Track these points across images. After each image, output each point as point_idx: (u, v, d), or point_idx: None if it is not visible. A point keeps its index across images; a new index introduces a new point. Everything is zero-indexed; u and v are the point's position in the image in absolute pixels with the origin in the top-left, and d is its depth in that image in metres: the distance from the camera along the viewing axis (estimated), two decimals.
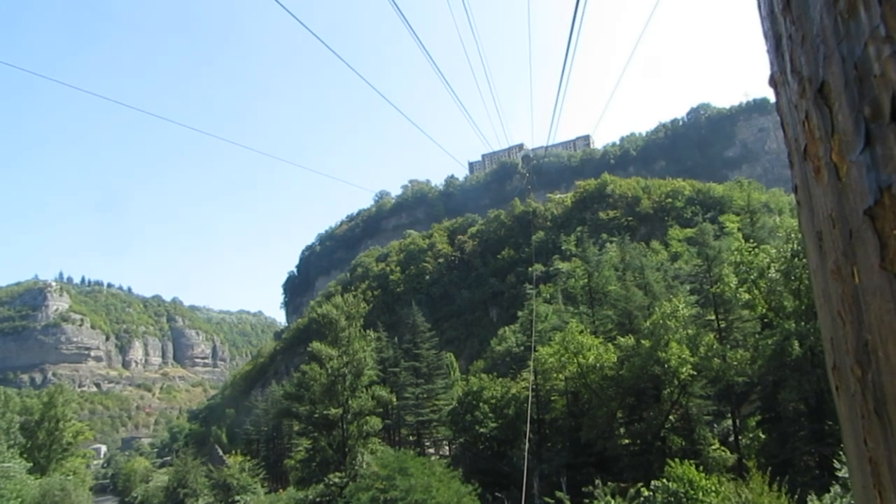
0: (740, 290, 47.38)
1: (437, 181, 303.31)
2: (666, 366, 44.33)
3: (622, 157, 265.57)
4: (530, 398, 46.85)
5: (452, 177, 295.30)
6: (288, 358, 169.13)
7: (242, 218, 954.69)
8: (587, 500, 31.41)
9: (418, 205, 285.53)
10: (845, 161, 1.10)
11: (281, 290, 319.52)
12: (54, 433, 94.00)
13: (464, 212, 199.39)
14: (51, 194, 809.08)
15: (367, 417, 54.90)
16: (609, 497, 29.05)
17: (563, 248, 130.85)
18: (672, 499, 26.48)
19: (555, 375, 52.77)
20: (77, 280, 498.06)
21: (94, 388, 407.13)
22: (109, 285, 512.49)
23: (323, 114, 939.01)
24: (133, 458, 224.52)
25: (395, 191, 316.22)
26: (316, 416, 54.67)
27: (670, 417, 47.74)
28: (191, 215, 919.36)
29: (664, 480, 28.19)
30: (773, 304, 45.64)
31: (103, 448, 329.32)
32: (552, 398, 58.57)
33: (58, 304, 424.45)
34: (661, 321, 46.28)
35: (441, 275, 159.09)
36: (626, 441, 49.82)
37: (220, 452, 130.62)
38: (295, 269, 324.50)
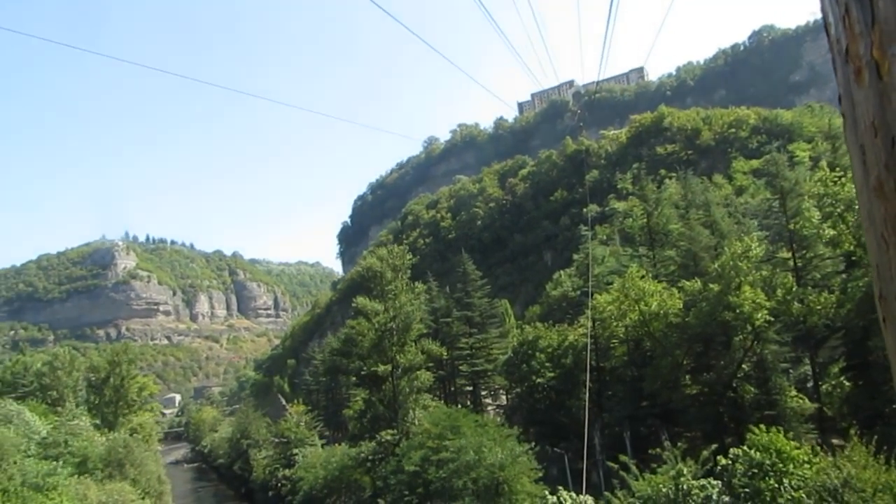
0: (823, 225, 42.50)
1: (486, 124, 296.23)
2: (738, 311, 40.39)
3: (679, 88, 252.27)
4: (588, 347, 43.83)
5: (501, 119, 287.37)
6: (343, 309, 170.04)
7: (298, 172, 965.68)
8: (654, 465, 28.36)
9: (467, 149, 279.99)
10: (887, 56, 1.02)
11: (336, 241, 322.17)
12: (120, 390, 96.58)
13: (514, 154, 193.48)
14: (111, 156, 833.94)
15: (418, 373, 52.95)
16: (679, 462, 25.90)
17: (618, 186, 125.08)
18: (756, 471, 23.19)
19: (614, 324, 49.38)
20: (142, 238, 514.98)
21: (166, 341, 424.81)
22: (173, 242, 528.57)
23: (369, 65, 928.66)
24: (202, 407, 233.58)
25: (444, 136, 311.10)
26: (364, 372, 53.19)
27: (742, 366, 43.96)
28: (249, 171, 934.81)
29: (745, 448, 24.86)
30: (863, 240, 40.73)
31: (177, 397, 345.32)
32: (612, 345, 55.27)
33: (125, 262, 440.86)
34: (730, 262, 42.03)
35: (492, 220, 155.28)
36: (694, 391, 46.42)
37: (283, 402, 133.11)
38: (348, 220, 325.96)
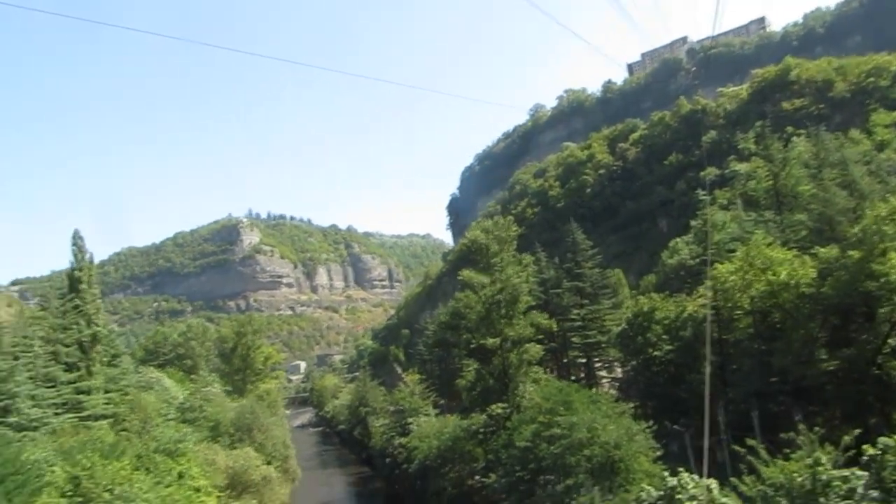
0: None
1: (594, 89, 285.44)
2: (883, 280, 36.29)
3: (806, 37, 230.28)
4: (709, 318, 41.12)
5: (610, 82, 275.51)
6: (453, 280, 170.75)
7: (409, 146, 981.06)
8: (787, 450, 25.94)
9: (575, 115, 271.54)
10: None
11: (445, 212, 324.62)
12: (247, 359, 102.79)
13: (624, 118, 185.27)
14: (235, 137, 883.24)
15: (527, 345, 51.99)
16: (818, 450, 23.49)
17: (739, 146, 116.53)
18: None
19: (738, 295, 45.96)
20: (263, 215, 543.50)
21: (289, 312, 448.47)
22: (292, 218, 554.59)
23: (474, 35, 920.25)
24: (324, 374, 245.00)
25: (550, 104, 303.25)
26: (473, 345, 52.94)
27: (888, 340, 39.63)
28: (362, 147, 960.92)
29: None
30: None
31: (302, 364, 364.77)
32: (736, 317, 51.56)
33: (250, 238, 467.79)
34: (873, 226, 37.70)
35: (602, 187, 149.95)
36: (831, 367, 42.45)
37: (399, 371, 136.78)
38: (457, 191, 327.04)
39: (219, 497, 42.35)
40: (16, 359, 56.54)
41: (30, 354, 60.15)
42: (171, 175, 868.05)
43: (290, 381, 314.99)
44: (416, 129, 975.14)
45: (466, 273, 54.70)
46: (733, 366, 51.28)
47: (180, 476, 36.84)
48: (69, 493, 24.76)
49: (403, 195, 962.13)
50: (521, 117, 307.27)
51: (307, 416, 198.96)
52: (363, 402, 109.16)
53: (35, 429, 52.31)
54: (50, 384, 60.50)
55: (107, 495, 24.21)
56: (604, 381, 75.33)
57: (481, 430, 53.11)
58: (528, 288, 57.32)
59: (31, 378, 57.65)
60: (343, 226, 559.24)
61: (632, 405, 45.68)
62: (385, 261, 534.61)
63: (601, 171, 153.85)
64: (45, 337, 64.26)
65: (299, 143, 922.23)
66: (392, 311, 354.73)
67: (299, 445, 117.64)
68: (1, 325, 60.81)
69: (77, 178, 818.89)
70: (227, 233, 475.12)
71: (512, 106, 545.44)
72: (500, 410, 50.43)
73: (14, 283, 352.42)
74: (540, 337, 56.94)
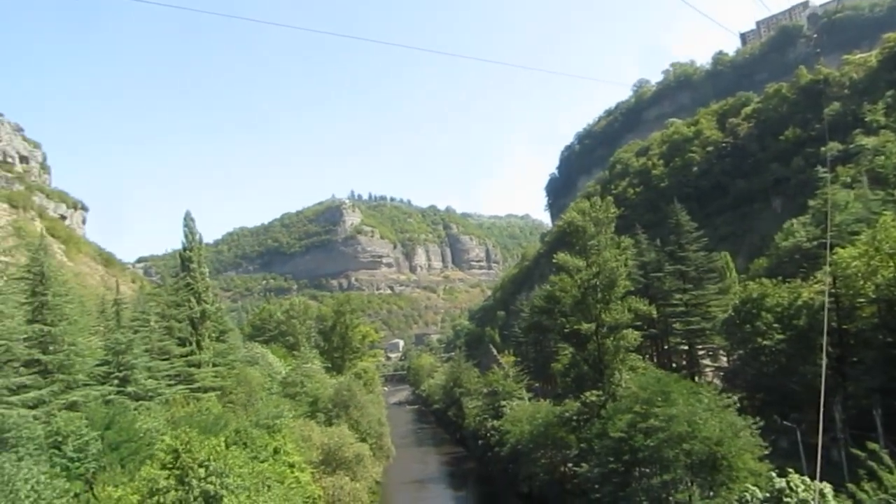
0: None
1: (703, 61, 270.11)
2: None
3: None
4: (826, 307, 37.76)
5: (720, 53, 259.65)
6: (551, 261, 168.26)
7: (507, 125, 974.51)
8: None
9: (682, 89, 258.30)
10: None
11: (544, 193, 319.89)
12: (345, 337, 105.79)
13: (735, 91, 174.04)
14: (338, 119, 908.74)
15: (624, 332, 49.83)
16: None
17: (866, 119, 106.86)
18: None
19: (861, 282, 41.99)
20: (365, 196, 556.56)
21: (389, 291, 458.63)
22: (392, 199, 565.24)
23: (576, 9, 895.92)
24: (421, 353, 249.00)
25: (655, 78, 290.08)
26: (567, 330, 51.41)
27: None
28: (460, 128, 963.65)
29: None
30: None
31: (401, 342, 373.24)
32: (858, 305, 47.24)
33: (352, 218, 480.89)
34: None
35: (710, 165, 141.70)
36: None
37: (494, 352, 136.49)
38: (556, 171, 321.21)
39: (312, 473, 43.58)
40: (135, 332, 60.59)
41: (146, 329, 64.28)
42: (279, 158, 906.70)
43: (388, 358, 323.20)
44: (516, 107, 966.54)
45: (561, 256, 53.01)
46: (853, 358, 47.13)
47: (276, 451, 38.08)
48: (169, 466, 25.90)
49: (502, 175, 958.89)
50: (623, 93, 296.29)
51: (404, 393, 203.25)
52: (457, 383, 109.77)
53: (150, 398, 55.88)
54: (164, 357, 64.51)
55: (202, 471, 25.10)
56: (707, 370, 71.60)
57: (574, 417, 51.72)
58: (627, 272, 54.87)
59: (147, 351, 61.62)
60: (442, 206, 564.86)
61: (737, 397, 42.72)
62: (483, 241, 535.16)
63: (709, 149, 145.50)
64: (160, 313, 68.49)
65: (400, 124, 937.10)
66: (489, 292, 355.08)
67: (395, 422, 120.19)
68: (121, 300, 65.15)
69: (199, 158, 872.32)
70: (330, 214, 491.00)
71: (615, 82, 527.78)
72: (594, 398, 48.83)
73: (139, 261, 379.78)
74: (638, 323, 54.46)
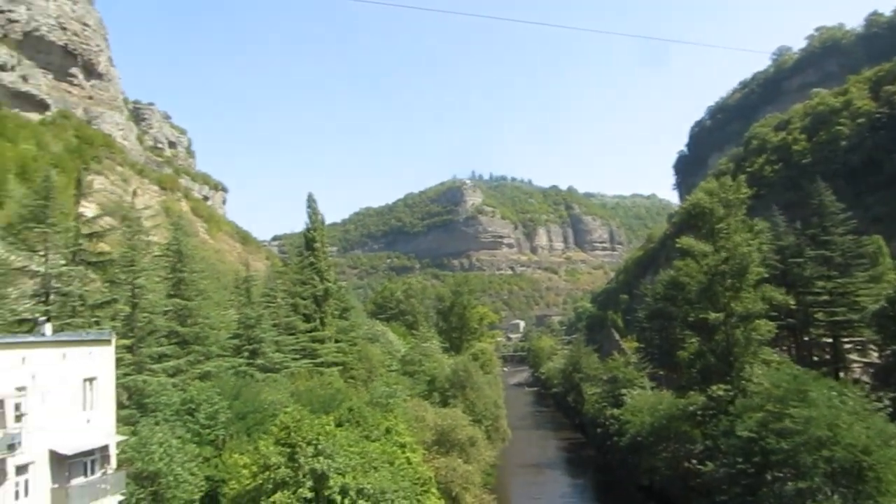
0: None
1: (854, 23, 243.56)
2: None
3: None
4: None
5: (875, 13, 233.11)
6: (677, 244, 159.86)
7: (633, 102, 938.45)
8: None
9: (828, 56, 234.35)
10: None
11: (672, 171, 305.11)
12: (463, 317, 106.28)
13: (892, 56, 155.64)
14: (460, 100, 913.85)
15: (756, 322, 45.87)
16: None
17: None
18: None
19: None
20: (486, 176, 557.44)
21: (510, 271, 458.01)
22: (513, 179, 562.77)
23: None
24: (541, 335, 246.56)
25: (798, 45, 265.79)
26: (692, 318, 48.14)
27: None
28: (583, 106, 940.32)
29: None
30: None
31: (522, 323, 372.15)
32: None
33: (473, 199, 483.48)
34: None
35: (861, 138, 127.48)
36: None
37: (616, 336, 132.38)
38: (685, 148, 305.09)
39: (424, 454, 43.86)
40: (264, 308, 63.93)
41: (274, 305, 67.65)
42: (403, 139, 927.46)
43: (509, 339, 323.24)
44: (644, 81, 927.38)
45: (685, 240, 49.64)
46: None
47: (388, 431, 38.54)
48: (281, 442, 26.74)
49: (628, 153, 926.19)
50: (761, 63, 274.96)
51: (524, 374, 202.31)
52: (577, 368, 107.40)
53: (277, 371, 58.83)
54: (290, 332, 67.72)
55: (310, 449, 25.67)
56: (854, 365, 64.93)
57: (699, 411, 48.55)
58: (761, 257, 50.51)
59: (274, 326, 64.89)
60: (564, 186, 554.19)
61: (890, 397, 38.24)
62: (606, 222, 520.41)
63: (860, 121, 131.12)
64: (286, 290, 71.85)
65: (522, 104, 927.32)
66: (612, 274, 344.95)
67: (513, 404, 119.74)
68: (252, 277, 68.78)
69: (330, 141, 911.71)
70: (451, 194, 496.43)
71: (751, 51, 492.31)
72: (721, 392, 45.46)
73: (274, 239, 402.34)
74: (773, 313, 50.02)
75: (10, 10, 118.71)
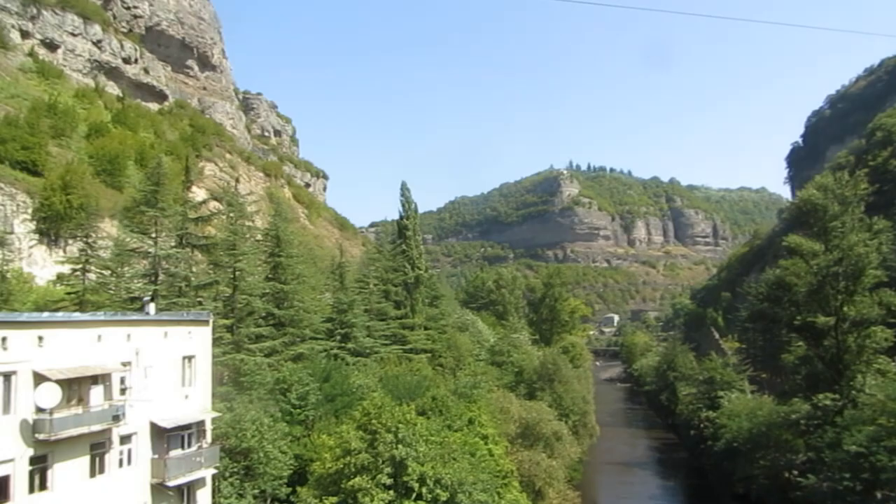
0: None
1: None
2: None
3: None
4: None
5: None
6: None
7: (742, 91, 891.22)
8: None
9: None
10: None
11: (784, 164, 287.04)
12: (554, 310, 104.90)
13: None
14: (556, 90, 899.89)
15: (872, 328, 42.30)
16: None
17: None
18: None
19: None
20: (584, 167, 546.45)
21: (605, 264, 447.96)
22: (611, 170, 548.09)
23: None
24: (636, 331, 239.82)
25: None
26: (798, 322, 44.97)
27: None
28: (688, 93, 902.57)
29: None
30: None
31: (616, 317, 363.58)
32: None
33: (569, 189, 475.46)
34: None
35: None
36: None
37: (716, 336, 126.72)
38: (800, 140, 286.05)
39: (507, 447, 43.61)
40: (357, 293, 65.59)
41: (366, 291, 69.29)
42: (499, 128, 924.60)
43: (602, 332, 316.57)
44: (754, 69, 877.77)
45: (793, 238, 46.35)
46: None
47: (470, 422, 38.57)
48: (362, 428, 27.24)
49: (736, 144, 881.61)
50: (890, 48, 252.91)
51: (616, 370, 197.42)
52: (671, 366, 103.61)
53: (367, 355, 60.29)
54: (381, 318, 69.15)
55: (390, 436, 26.01)
56: None
57: (803, 420, 45.46)
58: (880, 258, 46.44)
59: (366, 311, 66.47)
60: (665, 178, 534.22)
61: None
62: (710, 216, 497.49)
63: None
64: (378, 276, 73.39)
65: (623, 93, 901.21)
66: (714, 271, 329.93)
67: (604, 400, 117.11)
68: (345, 263, 70.63)
69: (427, 130, 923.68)
70: (548, 184, 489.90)
71: (879, 34, 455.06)
72: (828, 401, 42.33)
73: (371, 225, 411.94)
74: (893, 320, 46.00)
75: (135, 7, 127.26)
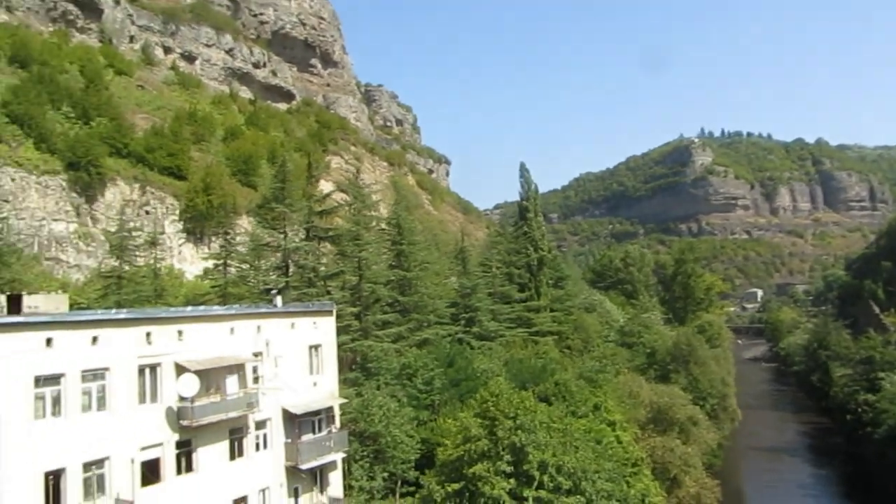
0: None
1: None
2: None
3: None
4: None
5: None
6: None
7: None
8: None
9: None
10: None
11: None
12: (687, 287, 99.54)
13: None
14: (687, 56, 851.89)
15: None
16: None
17: None
18: None
19: None
20: (717, 133, 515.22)
21: (745, 236, 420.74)
22: (748, 134, 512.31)
23: None
24: (782, 306, 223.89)
25: None
26: None
27: None
28: (826, 43, 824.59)
29: None
30: None
31: (759, 292, 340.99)
32: None
33: (702, 158, 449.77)
34: None
35: None
36: None
37: (876, 310, 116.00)
38: None
39: (637, 433, 41.97)
40: (479, 278, 65.78)
41: (489, 274, 69.31)
42: (623, 100, 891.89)
43: (744, 309, 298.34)
44: None
45: None
46: None
47: (596, 408, 37.42)
48: (480, 415, 27.12)
49: (894, 95, 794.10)
50: None
51: (760, 349, 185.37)
52: (823, 344, 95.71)
53: (492, 339, 60.42)
54: (505, 301, 68.96)
55: (509, 423, 25.69)
56: None
57: None
58: None
59: (490, 294, 66.56)
60: (810, 139, 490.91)
61: None
62: (865, 177, 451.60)
63: None
64: (501, 259, 73.17)
65: (757, 51, 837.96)
66: (872, 238, 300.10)
67: (747, 381, 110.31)
68: (466, 248, 70.92)
69: (549, 105, 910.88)
70: (678, 154, 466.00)
71: None
72: None
73: (496, 207, 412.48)
74: None
75: (261, 14, 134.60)
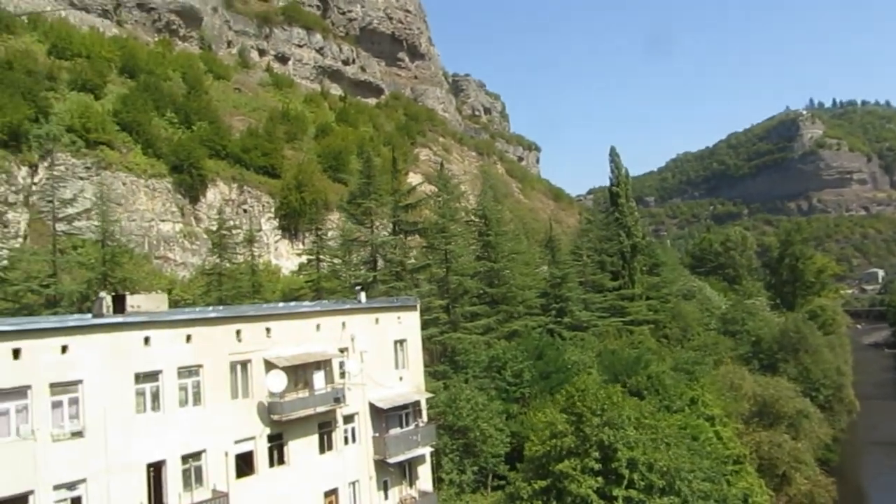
0: None
1: None
2: None
3: None
4: None
5: None
6: None
7: None
8: None
9: None
10: None
11: None
12: (795, 270, 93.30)
13: None
14: (791, 25, 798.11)
15: None
16: None
17: None
18: None
19: None
20: (828, 104, 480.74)
21: (862, 212, 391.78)
22: (864, 103, 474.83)
23: None
24: None
25: None
26: None
27: None
28: None
29: None
30: None
31: (880, 272, 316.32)
32: None
33: (811, 131, 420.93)
34: None
35: None
36: None
37: None
38: None
39: (740, 427, 39.67)
40: (570, 266, 64.36)
41: (580, 263, 67.70)
42: (721, 76, 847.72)
43: (863, 291, 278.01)
44: None
45: None
46: None
47: (693, 402, 35.57)
48: (567, 410, 26.37)
49: None
50: None
51: (883, 333, 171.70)
52: None
53: (584, 329, 59.01)
54: (597, 290, 67.18)
55: (596, 419, 24.79)
56: None
57: None
58: None
59: (581, 283, 65.02)
60: None
61: None
62: None
63: None
64: (592, 247, 71.27)
65: (867, 9, 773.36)
66: None
67: (867, 369, 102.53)
68: (555, 237, 69.56)
69: (644, 86, 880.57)
70: (784, 128, 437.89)
71: None
72: None
73: (590, 192, 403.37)
74: None
75: (349, 10, 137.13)
